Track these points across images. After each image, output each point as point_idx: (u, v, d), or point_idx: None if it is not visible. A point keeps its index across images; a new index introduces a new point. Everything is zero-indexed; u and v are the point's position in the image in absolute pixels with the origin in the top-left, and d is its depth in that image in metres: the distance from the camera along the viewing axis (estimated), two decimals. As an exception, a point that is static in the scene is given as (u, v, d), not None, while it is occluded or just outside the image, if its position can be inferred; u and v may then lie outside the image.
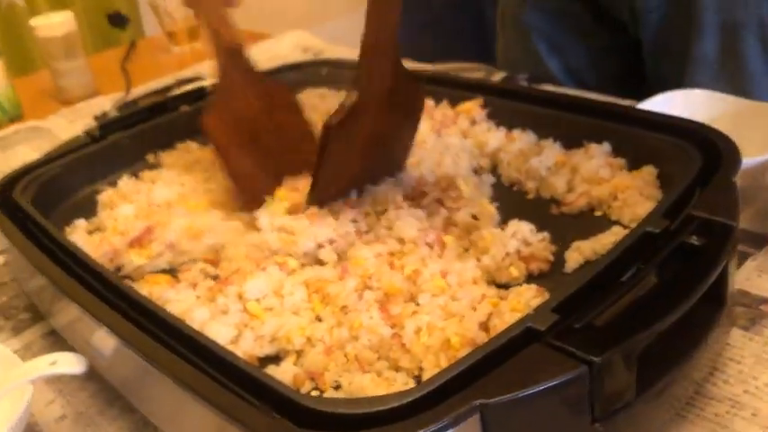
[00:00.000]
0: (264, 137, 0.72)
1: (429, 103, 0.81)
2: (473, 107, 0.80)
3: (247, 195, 0.69)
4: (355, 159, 0.65)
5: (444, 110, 0.81)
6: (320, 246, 0.62)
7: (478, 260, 0.59)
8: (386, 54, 0.61)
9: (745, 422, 0.50)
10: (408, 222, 0.63)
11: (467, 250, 0.62)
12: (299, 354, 0.54)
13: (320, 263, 0.62)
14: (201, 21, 0.71)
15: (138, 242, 0.67)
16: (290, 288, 0.58)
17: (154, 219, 0.69)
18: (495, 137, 0.76)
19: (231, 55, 0.71)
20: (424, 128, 0.76)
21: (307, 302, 0.58)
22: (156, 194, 0.74)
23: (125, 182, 0.77)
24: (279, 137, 0.72)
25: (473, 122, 0.79)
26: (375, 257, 0.60)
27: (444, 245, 0.62)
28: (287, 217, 0.65)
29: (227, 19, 0.71)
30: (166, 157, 0.83)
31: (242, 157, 0.70)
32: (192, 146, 0.85)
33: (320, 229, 0.63)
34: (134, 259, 0.66)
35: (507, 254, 0.58)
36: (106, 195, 0.76)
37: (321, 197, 0.65)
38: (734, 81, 0.92)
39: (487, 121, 0.79)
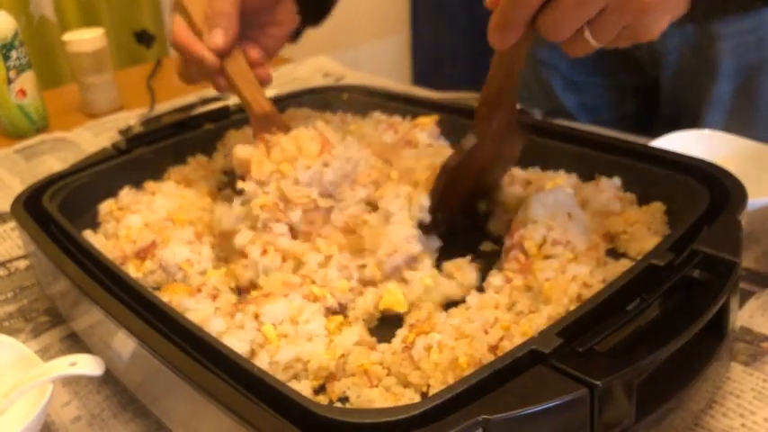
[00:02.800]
0: None
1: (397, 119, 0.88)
2: (429, 122, 0.85)
3: None
4: (458, 198, 0.69)
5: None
6: None
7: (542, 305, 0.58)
8: (506, 103, 0.64)
9: (741, 454, 0.52)
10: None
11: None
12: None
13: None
14: (233, 89, 0.75)
15: (142, 254, 0.68)
16: (308, 316, 0.59)
17: (161, 234, 0.70)
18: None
19: (263, 122, 0.74)
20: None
21: (323, 329, 0.58)
22: (156, 205, 0.75)
23: (126, 192, 0.79)
24: None
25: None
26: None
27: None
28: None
29: (257, 86, 0.75)
30: (176, 170, 0.85)
31: None
32: (203, 161, 0.87)
33: None
34: (131, 271, 0.67)
35: (570, 300, 0.57)
36: (106, 205, 0.77)
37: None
38: (747, 121, 0.94)
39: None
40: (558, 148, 0.76)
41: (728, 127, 0.85)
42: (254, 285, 0.64)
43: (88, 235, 0.72)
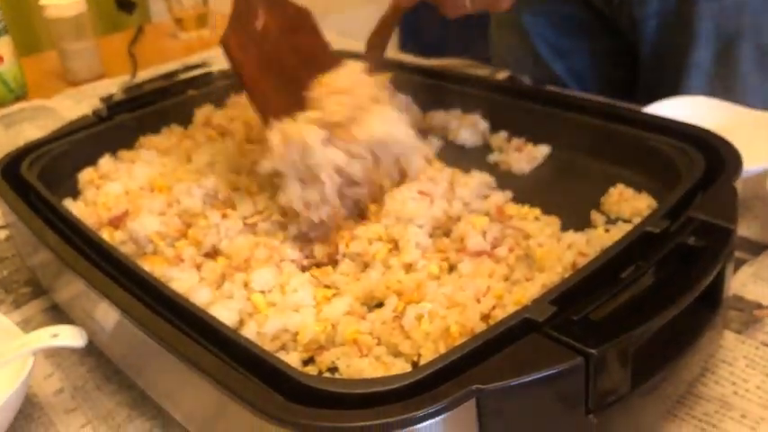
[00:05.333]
0: (283, 57, 0.71)
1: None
2: (382, 80, 0.81)
3: (265, 113, 0.67)
4: None
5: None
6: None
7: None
8: None
9: (733, 422, 0.51)
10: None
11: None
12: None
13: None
14: None
15: (115, 221, 0.67)
16: (296, 284, 0.58)
17: (134, 203, 0.68)
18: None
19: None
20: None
21: (312, 299, 0.57)
22: (137, 173, 0.73)
23: (105, 161, 0.77)
24: (297, 57, 0.72)
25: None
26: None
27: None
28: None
29: None
30: (148, 140, 0.82)
31: (261, 77, 0.68)
32: (177, 130, 0.84)
33: None
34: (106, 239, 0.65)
35: (564, 268, 0.56)
36: (87, 173, 0.75)
37: None
38: (727, 87, 0.93)
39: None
40: (548, 113, 0.75)
41: (709, 95, 0.84)
42: (216, 251, 0.63)
43: (68, 203, 0.70)
